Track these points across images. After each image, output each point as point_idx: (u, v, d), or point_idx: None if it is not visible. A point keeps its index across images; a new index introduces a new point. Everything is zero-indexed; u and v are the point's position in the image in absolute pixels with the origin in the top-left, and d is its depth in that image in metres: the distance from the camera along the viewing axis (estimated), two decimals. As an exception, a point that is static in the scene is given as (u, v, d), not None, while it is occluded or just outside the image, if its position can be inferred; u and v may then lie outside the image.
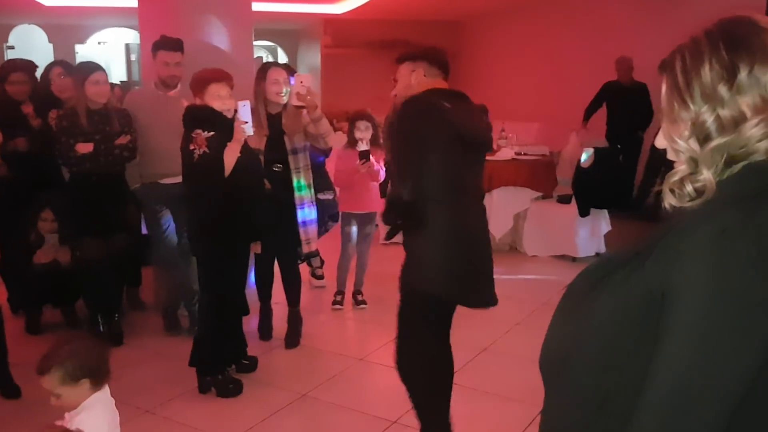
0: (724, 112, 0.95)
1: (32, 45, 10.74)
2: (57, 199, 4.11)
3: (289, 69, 3.96)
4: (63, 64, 4.55)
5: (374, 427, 3.11)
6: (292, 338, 4.07)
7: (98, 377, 2.06)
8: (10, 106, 4.16)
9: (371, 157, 4.32)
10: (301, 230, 3.87)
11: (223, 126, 3.20)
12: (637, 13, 7.54)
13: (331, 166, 4.90)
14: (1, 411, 3.24)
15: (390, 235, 2.64)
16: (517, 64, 9.55)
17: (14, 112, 4.15)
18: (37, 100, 4.29)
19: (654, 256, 0.95)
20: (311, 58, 10.36)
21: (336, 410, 3.30)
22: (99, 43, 11.87)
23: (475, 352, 3.83)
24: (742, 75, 0.94)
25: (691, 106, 0.97)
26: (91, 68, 3.88)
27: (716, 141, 0.95)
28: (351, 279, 4.75)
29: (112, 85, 4.68)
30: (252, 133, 3.28)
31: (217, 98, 3.25)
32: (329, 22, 9.65)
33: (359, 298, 4.76)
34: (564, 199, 6.00)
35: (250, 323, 4.03)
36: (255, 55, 5.78)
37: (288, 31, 10.94)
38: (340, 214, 4.70)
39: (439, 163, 2.42)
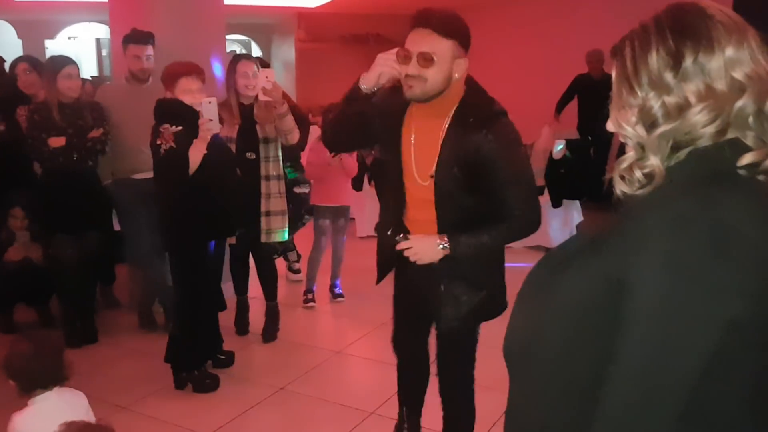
0: (670, 99, 0.96)
1: (1, 41, 10.53)
2: (27, 196, 4.06)
3: (261, 62, 3.95)
4: (29, 59, 4.48)
5: (352, 418, 3.13)
6: (270, 332, 4.08)
7: (47, 382, 2.09)
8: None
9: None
10: (263, 219, 3.84)
11: (192, 121, 3.17)
12: (608, 6, 7.62)
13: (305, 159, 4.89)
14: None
15: None
16: (488, 58, 9.56)
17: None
18: (2, 96, 4.22)
19: (610, 243, 0.96)
20: (285, 52, 10.29)
21: (313, 403, 3.31)
22: (69, 38, 11.67)
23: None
24: (688, 62, 0.95)
25: (639, 93, 0.99)
26: (63, 62, 3.85)
27: (662, 127, 0.97)
28: (326, 273, 4.76)
29: (83, 80, 4.62)
30: (218, 131, 3.26)
31: (188, 92, 3.22)
32: (303, 16, 9.60)
33: (336, 291, 4.76)
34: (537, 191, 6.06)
35: (227, 318, 4.03)
36: (228, 49, 5.74)
37: (261, 25, 10.85)
38: (314, 207, 4.70)
39: None
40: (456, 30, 2.07)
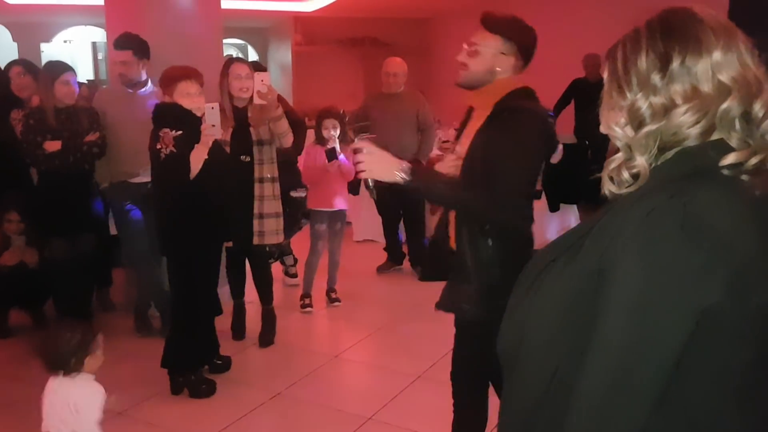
0: (656, 100, 0.98)
1: (-5, 44, 10.49)
2: (23, 200, 4.05)
3: (257, 66, 3.96)
4: (23, 62, 4.47)
5: (349, 424, 3.12)
6: (266, 337, 4.06)
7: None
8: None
9: (341, 154, 4.32)
10: (256, 221, 3.84)
11: (192, 125, 3.18)
12: (605, 11, 7.65)
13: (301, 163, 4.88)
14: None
15: None
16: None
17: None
18: None
19: (591, 238, 0.98)
20: (282, 55, 10.29)
21: (311, 408, 3.30)
22: (65, 41, 11.64)
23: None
24: (675, 64, 0.97)
25: (628, 94, 1.01)
26: (62, 68, 3.85)
27: (648, 127, 0.99)
28: (323, 277, 4.75)
29: (79, 84, 4.62)
30: (220, 136, 3.26)
31: (186, 96, 3.22)
32: (299, 19, 9.60)
33: (333, 295, 4.75)
34: (534, 195, 6.05)
35: (224, 322, 4.01)
36: (225, 53, 5.74)
37: (258, 28, 10.86)
38: (311, 211, 4.69)
39: None
40: (502, 27, 2.18)
